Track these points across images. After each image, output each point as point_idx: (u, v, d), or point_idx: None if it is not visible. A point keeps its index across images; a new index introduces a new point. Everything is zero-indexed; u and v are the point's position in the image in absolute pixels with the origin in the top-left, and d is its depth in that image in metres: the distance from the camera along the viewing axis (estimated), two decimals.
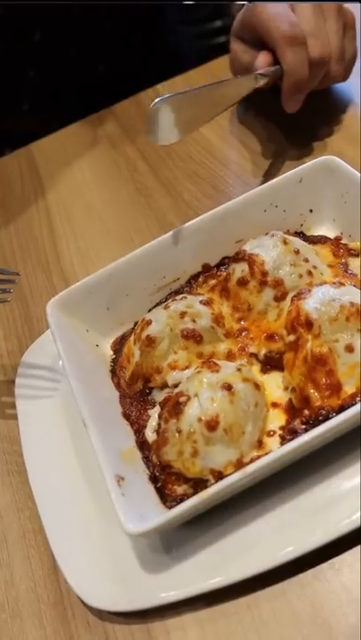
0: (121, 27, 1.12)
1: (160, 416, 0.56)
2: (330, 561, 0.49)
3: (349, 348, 0.53)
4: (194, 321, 0.59)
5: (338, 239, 0.67)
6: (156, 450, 0.55)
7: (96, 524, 0.54)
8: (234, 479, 0.47)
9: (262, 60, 0.77)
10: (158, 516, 0.48)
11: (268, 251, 0.61)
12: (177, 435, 0.52)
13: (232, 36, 0.86)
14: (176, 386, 0.57)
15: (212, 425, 0.51)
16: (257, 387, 0.55)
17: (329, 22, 0.78)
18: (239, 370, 0.55)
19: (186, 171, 0.88)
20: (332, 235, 0.67)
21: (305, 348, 0.54)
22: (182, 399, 0.53)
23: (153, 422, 0.57)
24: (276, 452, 0.48)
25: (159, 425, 0.56)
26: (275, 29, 0.75)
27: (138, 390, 0.60)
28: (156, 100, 0.65)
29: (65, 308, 0.64)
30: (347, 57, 0.81)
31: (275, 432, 0.55)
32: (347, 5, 0.82)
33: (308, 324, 0.54)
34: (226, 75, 0.89)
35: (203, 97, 0.71)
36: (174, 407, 0.53)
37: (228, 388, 0.53)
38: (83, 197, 0.92)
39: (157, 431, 0.56)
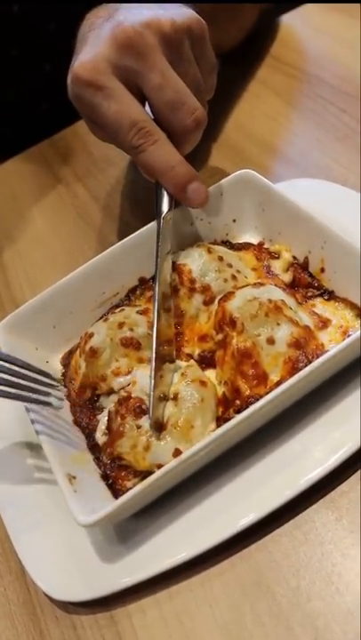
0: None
1: (116, 413, 0.59)
2: (270, 534, 0.54)
3: (270, 341, 0.58)
4: (132, 329, 0.63)
5: (260, 244, 0.72)
6: (109, 443, 0.59)
7: (57, 525, 0.58)
8: (171, 466, 0.51)
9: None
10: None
11: (194, 260, 0.66)
12: (136, 429, 0.57)
13: None
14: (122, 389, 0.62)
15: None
16: (203, 383, 0.60)
17: (184, 64, 0.66)
18: (183, 374, 0.60)
19: (125, 194, 0.93)
20: (255, 241, 0.72)
21: (232, 344, 0.59)
22: (144, 406, 0.58)
23: (102, 426, 0.61)
24: (206, 438, 0.52)
25: (109, 424, 0.60)
26: (121, 140, 0.66)
27: (87, 398, 0.64)
28: None
29: (13, 329, 0.67)
30: (208, 87, 0.73)
31: None
32: (189, 14, 0.67)
33: (233, 323, 0.59)
34: None
35: None
36: (135, 409, 0.58)
37: (174, 397, 0.58)
38: (28, 228, 0.96)
39: (107, 432, 0.60)
